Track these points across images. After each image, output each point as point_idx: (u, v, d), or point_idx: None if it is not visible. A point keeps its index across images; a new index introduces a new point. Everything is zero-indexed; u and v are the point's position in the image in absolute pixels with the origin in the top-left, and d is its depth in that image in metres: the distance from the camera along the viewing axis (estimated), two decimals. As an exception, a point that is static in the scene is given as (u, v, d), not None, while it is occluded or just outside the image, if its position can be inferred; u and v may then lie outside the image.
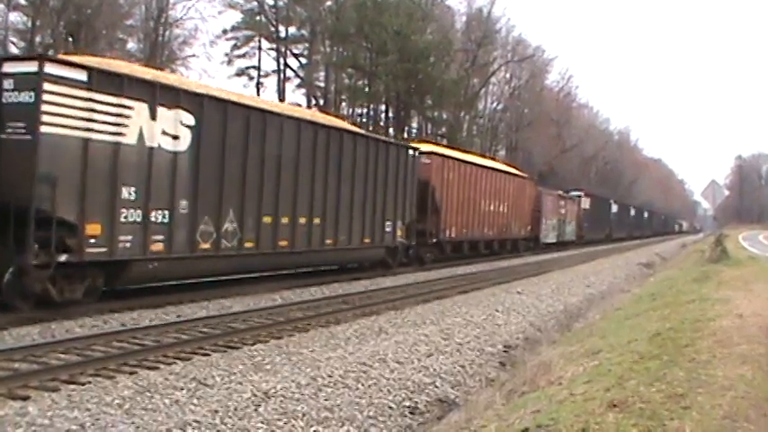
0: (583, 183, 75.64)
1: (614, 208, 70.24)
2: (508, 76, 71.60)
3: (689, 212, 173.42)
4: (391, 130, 52.35)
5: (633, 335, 10.99)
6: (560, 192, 51.42)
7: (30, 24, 34.21)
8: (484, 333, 14.06)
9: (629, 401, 6.65)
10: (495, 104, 71.60)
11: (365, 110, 54.18)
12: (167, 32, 43.26)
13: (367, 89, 50.84)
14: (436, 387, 10.01)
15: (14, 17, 35.07)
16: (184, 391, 8.51)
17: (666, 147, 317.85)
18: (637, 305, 16.48)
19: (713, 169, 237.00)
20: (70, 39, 34.58)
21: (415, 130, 56.08)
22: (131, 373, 9.17)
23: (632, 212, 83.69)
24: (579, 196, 55.57)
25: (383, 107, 54.23)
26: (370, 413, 8.52)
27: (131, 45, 41.92)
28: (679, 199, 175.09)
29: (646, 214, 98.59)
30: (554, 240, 46.90)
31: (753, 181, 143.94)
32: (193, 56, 45.34)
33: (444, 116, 56.94)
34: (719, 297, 14.71)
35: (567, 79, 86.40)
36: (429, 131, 56.35)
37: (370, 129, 51.60)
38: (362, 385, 9.47)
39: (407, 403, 9.11)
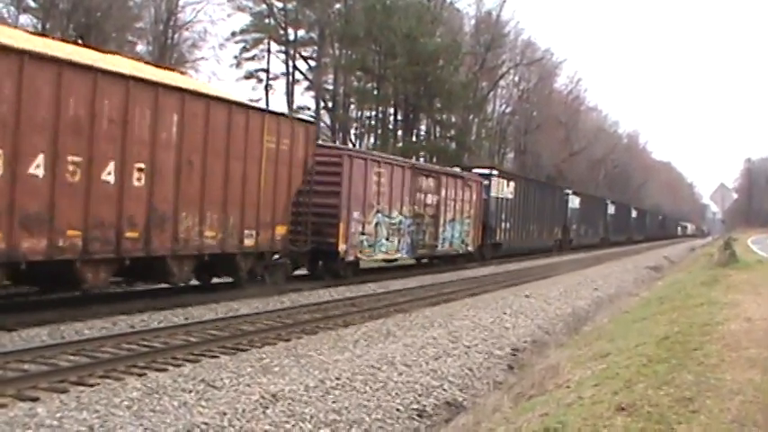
0: (591, 186, 75.43)
1: (574, 201, 50.27)
2: (517, 79, 71.56)
3: (697, 215, 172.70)
4: (399, 133, 52.39)
5: (641, 338, 10.97)
6: (422, 164, 31.44)
7: (39, 27, 34.33)
8: (492, 336, 14.05)
9: (637, 405, 6.65)
10: (503, 107, 71.59)
11: (374, 113, 54.17)
12: (176, 35, 43.41)
13: (376, 92, 50.82)
14: (444, 390, 10.02)
15: (24, 19, 35.22)
16: (193, 393, 8.53)
17: (676, 150, 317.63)
18: (645, 308, 16.44)
19: (722, 172, 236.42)
20: (80, 41, 34.69)
21: (423, 133, 56.02)
22: (140, 375, 9.20)
23: (611, 210, 64.50)
24: (488, 176, 33.94)
25: (392, 110, 54.18)
26: (378, 416, 8.53)
27: (141, 48, 42.00)
28: (688, 202, 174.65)
29: (634, 213, 79.33)
30: (395, 256, 24.93)
31: (762, 184, 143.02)
32: (202, 58, 45.49)
33: (453, 119, 56.84)
34: (728, 301, 14.67)
35: (575, 82, 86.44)
36: (438, 134, 56.31)
37: (379, 132, 51.71)
38: (370, 388, 9.47)
39: (415, 406, 9.12)
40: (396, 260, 25.59)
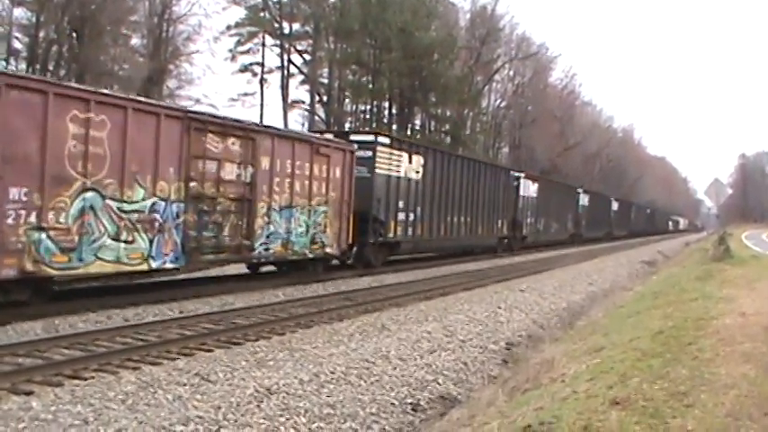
0: (586, 180, 75.47)
1: (528, 188, 40.07)
2: (512, 73, 71.54)
3: (691, 210, 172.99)
4: (394, 127, 52.37)
5: (636, 332, 10.98)
6: (214, 115, 17.16)
7: (34, 20, 34.21)
8: (486, 330, 14.06)
9: (632, 399, 6.66)
10: (498, 102, 71.56)
11: (369, 107, 54.14)
12: (171, 28, 43.24)
13: (371, 86, 50.80)
14: (438, 384, 10.02)
15: (19, 12, 35.09)
16: (187, 387, 8.52)
17: (670, 145, 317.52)
18: (639, 303, 16.45)
19: (717, 167, 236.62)
20: (74, 34, 34.58)
21: (418, 127, 55.99)
22: (135, 369, 9.19)
23: (583, 200, 54.17)
24: (371, 144, 22.75)
25: (387, 104, 54.17)
26: (373, 410, 8.52)
27: (135, 41, 41.93)
28: (682, 197, 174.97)
29: (615, 205, 67.77)
30: (142, 266, 14.00)
31: (756, 179, 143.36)
32: (197, 52, 45.23)
33: (448, 113, 56.85)
34: (722, 295, 14.69)
35: (570, 77, 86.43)
36: (432, 128, 56.29)
37: (374, 125, 51.67)
38: (365, 382, 9.47)
39: (410, 400, 9.11)
40: (147, 272, 14.52)
